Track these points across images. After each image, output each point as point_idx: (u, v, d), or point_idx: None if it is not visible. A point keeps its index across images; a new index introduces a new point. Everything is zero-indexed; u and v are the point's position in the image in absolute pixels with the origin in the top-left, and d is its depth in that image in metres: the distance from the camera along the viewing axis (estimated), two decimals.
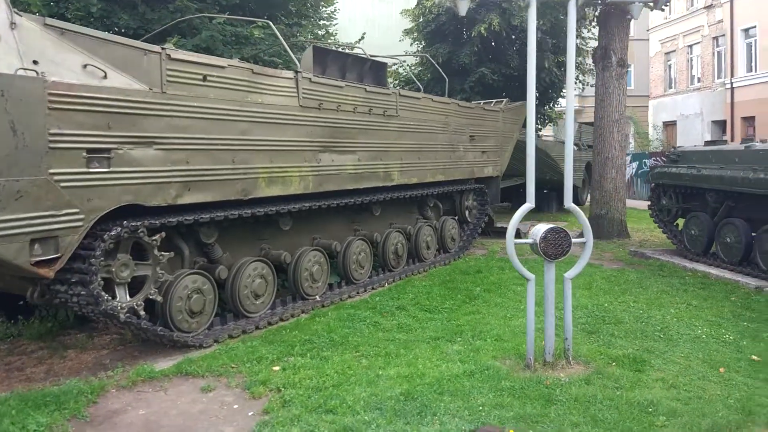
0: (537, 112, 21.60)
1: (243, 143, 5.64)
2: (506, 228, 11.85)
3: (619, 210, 11.67)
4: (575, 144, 16.73)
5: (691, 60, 29.38)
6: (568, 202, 4.95)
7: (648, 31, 33.56)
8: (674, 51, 30.62)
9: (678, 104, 29.65)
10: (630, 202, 14.70)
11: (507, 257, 9.50)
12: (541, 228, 4.85)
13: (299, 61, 6.80)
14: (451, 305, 6.63)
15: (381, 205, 8.17)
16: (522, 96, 19.71)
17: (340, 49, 9.61)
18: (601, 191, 11.82)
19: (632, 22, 41.45)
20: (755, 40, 24.66)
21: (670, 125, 30.41)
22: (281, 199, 6.28)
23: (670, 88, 30.98)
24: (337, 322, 5.99)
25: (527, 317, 4.80)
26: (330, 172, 6.79)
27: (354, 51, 9.81)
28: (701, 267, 8.35)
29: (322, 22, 17.93)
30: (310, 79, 6.44)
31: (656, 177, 9.76)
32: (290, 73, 6.27)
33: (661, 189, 9.77)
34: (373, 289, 7.52)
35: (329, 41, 16.09)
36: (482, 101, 12.60)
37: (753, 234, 7.85)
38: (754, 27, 24.65)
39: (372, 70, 7.84)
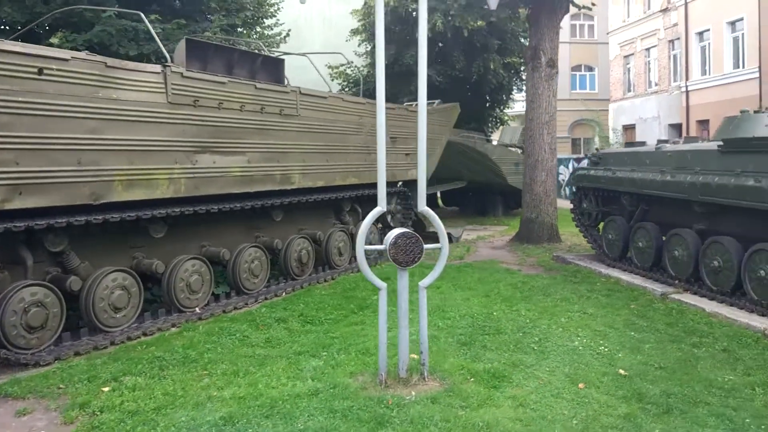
0: (488, 115, 21.46)
1: (92, 143, 5.20)
2: (447, 234, 11.60)
3: (549, 214, 11.42)
4: (519, 147, 16.51)
5: (649, 63, 29.53)
6: (422, 204, 4.60)
7: (608, 34, 33.73)
8: (633, 54, 30.77)
9: (637, 107, 29.77)
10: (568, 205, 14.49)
11: (431, 263, 9.26)
12: (393, 233, 4.49)
13: (170, 55, 6.37)
14: (337, 316, 6.25)
15: (284, 210, 7.77)
16: (471, 99, 19.71)
17: (231, 44, 9.17)
18: (531, 194, 11.57)
19: (595, 27, 41.62)
20: (709, 44, 24.80)
21: (629, 128, 30.51)
22: (158, 203, 5.86)
23: (629, 91, 31.11)
24: (204, 336, 5.57)
25: (379, 330, 4.44)
26: (210, 175, 6.37)
27: (254, 47, 9.36)
28: (615, 272, 8.09)
29: (266, 32, 17.56)
30: (181, 74, 6.02)
31: (577, 180, 9.52)
32: (156, 68, 5.84)
33: (582, 192, 9.52)
34: (266, 299, 7.10)
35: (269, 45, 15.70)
36: (411, 102, 12.32)
37: (663, 238, 7.60)
38: (708, 30, 24.79)
39: (266, 67, 7.44)
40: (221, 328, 5.82)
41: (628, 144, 9.86)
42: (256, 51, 7.63)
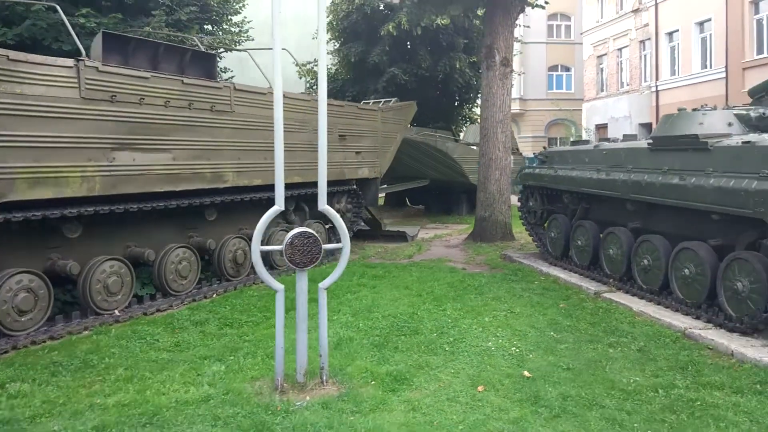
0: (456, 114, 21.40)
1: None
2: (400, 232, 11.39)
3: (503, 212, 11.33)
4: (476, 144, 16.42)
5: (621, 63, 29.65)
6: (322, 203, 4.46)
7: (582, 34, 33.87)
8: (605, 54, 30.89)
9: (609, 107, 29.90)
10: None
11: (378, 263, 9.13)
12: (290, 233, 4.34)
13: (86, 50, 6.15)
14: (259, 318, 6.08)
15: (219, 209, 7.58)
16: (440, 98, 19.63)
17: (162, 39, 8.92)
18: (485, 193, 11.47)
19: (572, 27, 41.78)
20: (678, 44, 24.96)
21: (602, 128, 30.62)
22: (73, 202, 5.65)
23: (602, 91, 31.23)
24: (113, 340, 5.38)
25: (276, 334, 4.29)
26: (130, 173, 6.17)
27: (206, 44, 9.19)
28: (555, 271, 8.01)
29: (233, 29, 17.42)
30: (96, 68, 5.82)
31: (523, 178, 9.44)
32: (68, 62, 5.62)
33: (529, 191, 9.44)
34: (194, 301, 6.91)
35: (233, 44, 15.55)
36: (370, 101, 12.20)
37: (601, 236, 7.53)
38: (677, 31, 24.94)
39: (196, 62, 7.24)
40: (134, 331, 5.63)
41: (575, 142, 9.77)
42: (194, 46, 7.41)
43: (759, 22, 20.57)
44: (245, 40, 17.83)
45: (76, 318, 5.88)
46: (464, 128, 21.41)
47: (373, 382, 4.27)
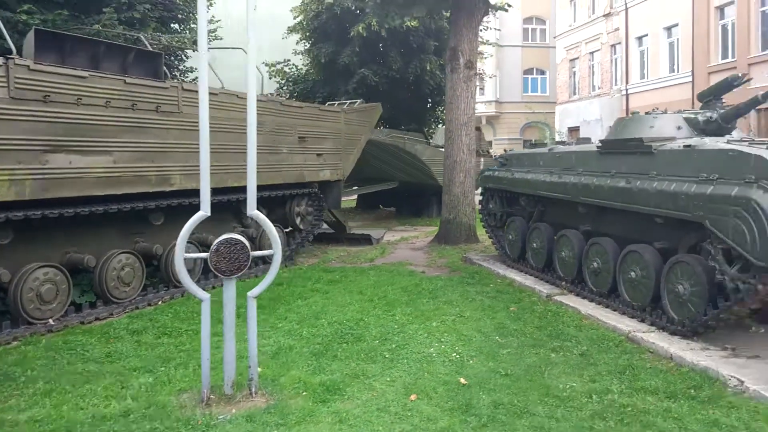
0: (429, 116, 21.35)
1: None
2: (365, 235, 11.25)
3: (467, 214, 11.26)
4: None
5: (593, 67, 29.91)
6: (251, 208, 4.30)
7: (555, 38, 34.12)
8: (578, 58, 31.15)
9: (581, 110, 30.14)
10: None
11: (337, 267, 8.99)
12: (217, 240, 4.18)
13: (16, 48, 5.91)
14: (199, 327, 5.88)
15: (166, 213, 7.36)
16: (412, 100, 19.54)
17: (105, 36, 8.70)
18: (449, 195, 11.40)
19: (547, 31, 42.02)
20: (647, 48, 25.23)
21: (574, 130, 30.83)
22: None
23: (575, 94, 31.49)
24: (41, 351, 5.16)
25: (201, 344, 4.12)
26: (65, 176, 5.94)
27: (158, 43, 8.97)
28: (512, 273, 7.94)
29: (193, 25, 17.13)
30: (27, 66, 5.59)
31: (483, 181, 9.38)
32: None
33: (489, 193, 9.38)
34: (137, 308, 6.70)
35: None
36: (335, 102, 12.06)
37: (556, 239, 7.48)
38: (646, 36, 25.22)
39: (141, 61, 7.03)
40: (66, 341, 5.41)
41: (532, 145, 9.76)
42: (144, 44, 7.18)
43: (724, 28, 20.88)
44: (213, 40, 17.60)
45: (6, 328, 5.64)
46: (435, 130, 21.39)
47: (304, 393, 4.13)
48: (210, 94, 7.55)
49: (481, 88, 21.58)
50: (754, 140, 4.97)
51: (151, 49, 7.34)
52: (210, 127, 7.47)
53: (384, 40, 17.64)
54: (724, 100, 6.74)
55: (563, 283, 7.00)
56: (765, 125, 18.34)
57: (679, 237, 5.38)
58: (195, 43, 17.86)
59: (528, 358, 4.79)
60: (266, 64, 19.41)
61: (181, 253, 4.11)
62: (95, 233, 6.67)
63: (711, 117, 6.41)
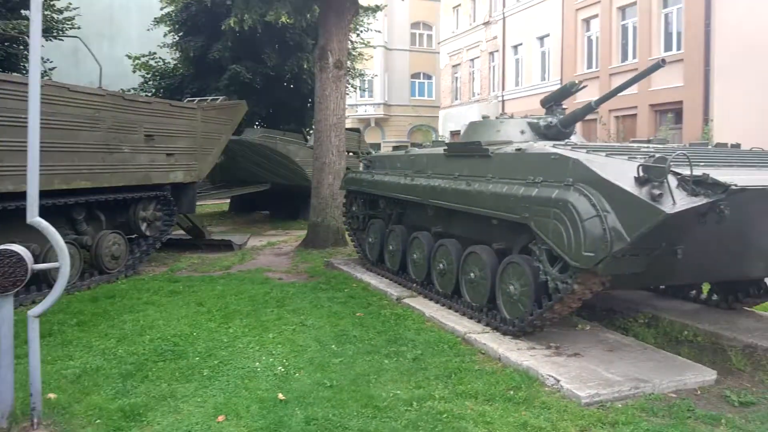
0: (309, 116, 20.93)
1: None
2: (225, 240, 10.63)
3: (335, 218, 11.07)
4: None
5: (473, 73, 31.01)
6: (33, 214, 3.78)
7: (439, 44, 35.04)
8: (460, 64, 32.16)
9: (462, 115, 31.07)
10: None
11: (184, 276, 8.41)
12: None
13: None
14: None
15: None
16: (290, 99, 19.10)
17: None
18: (318, 198, 11.18)
19: (433, 36, 42.90)
20: (522, 57, 26.49)
21: (456, 134, 31.78)
22: None
23: (456, 99, 32.49)
24: None
25: None
26: None
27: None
28: (369, 277, 7.84)
29: (56, 15, 15.84)
30: None
31: (346, 183, 9.23)
32: None
33: (353, 195, 9.25)
34: None
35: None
36: (195, 99, 11.42)
37: None
38: (521, 44, 26.47)
39: None
40: None
41: (395, 148, 9.77)
42: None
43: (589, 39, 22.33)
44: (69, 29, 16.25)
45: None
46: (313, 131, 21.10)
47: (98, 421, 3.69)
48: (17, 83, 6.85)
49: (359, 89, 21.47)
50: (577, 144, 5.13)
51: None
52: (26, 123, 6.73)
53: (259, 35, 17.11)
54: (564, 106, 7.02)
55: (414, 285, 6.97)
56: (623, 130, 19.79)
57: (514, 238, 5.47)
58: (53, 30, 16.42)
59: (359, 367, 4.62)
60: (129, 57, 18.21)
61: None
62: None
63: (551, 122, 6.64)
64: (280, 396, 4.03)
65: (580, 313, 5.74)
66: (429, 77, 40.83)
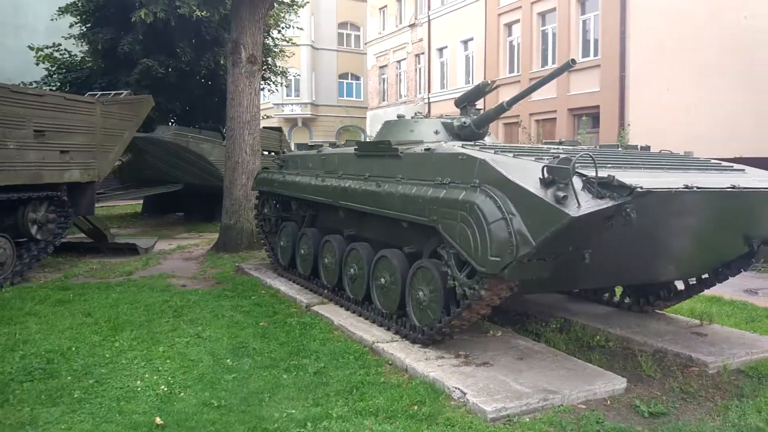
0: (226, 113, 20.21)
1: None
2: (129, 244, 9.89)
3: (249, 219, 10.55)
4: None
5: (400, 75, 31.02)
6: None
7: (366, 44, 34.88)
8: (387, 66, 32.09)
9: (389, 116, 30.62)
10: None
11: (79, 283, 7.69)
12: None
13: None
14: None
15: None
16: (207, 95, 18.28)
17: None
18: (231, 199, 10.65)
19: (361, 37, 42.64)
20: (447, 59, 26.70)
21: None
22: None
23: (384, 100, 32.41)
24: None
25: None
26: None
27: None
28: (279, 283, 7.44)
29: None
30: None
31: (257, 183, 8.78)
32: None
33: (265, 197, 8.81)
34: None
35: None
36: (96, 93, 10.61)
37: None
38: (446, 47, 26.67)
39: None
40: None
41: (310, 147, 9.38)
42: None
43: (511, 44, 22.74)
44: None
45: None
46: None
47: None
48: None
49: (283, 85, 20.84)
50: (486, 144, 4.96)
51: None
52: None
53: (173, 29, 16.27)
54: (478, 107, 6.89)
55: (326, 291, 6.64)
56: (543, 134, 20.26)
57: (424, 241, 5.24)
58: None
59: (254, 383, 4.24)
60: (32, 48, 16.89)
61: None
62: None
63: (465, 122, 6.47)
64: (158, 420, 3.59)
65: (493, 318, 5.59)
66: (357, 78, 40.59)
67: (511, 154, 4.45)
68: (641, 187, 3.60)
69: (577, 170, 3.71)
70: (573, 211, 3.56)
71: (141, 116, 10.51)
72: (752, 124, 18.55)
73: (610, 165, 4.31)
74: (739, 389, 4.29)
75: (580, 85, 18.84)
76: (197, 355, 4.81)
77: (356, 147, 6.20)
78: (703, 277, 5.67)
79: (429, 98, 27.49)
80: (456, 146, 4.87)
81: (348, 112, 39.36)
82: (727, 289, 7.23)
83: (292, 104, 39.25)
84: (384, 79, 32.56)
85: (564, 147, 5.59)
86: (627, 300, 6.33)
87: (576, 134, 18.72)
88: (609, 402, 4.03)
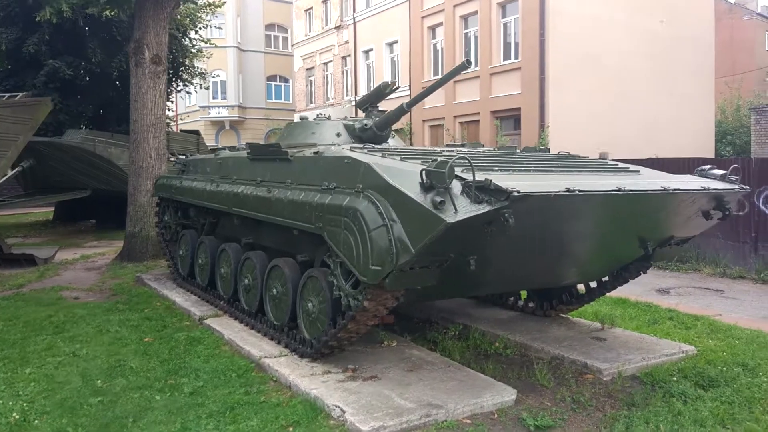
0: None
1: None
2: (26, 255, 9.15)
3: (154, 227, 10.05)
4: (169, 153, 14.87)
5: (327, 77, 30.73)
6: None
7: (292, 47, 34.38)
8: (314, 68, 31.74)
9: None
10: None
11: None
12: None
13: None
14: None
15: None
16: (120, 98, 17.40)
17: None
18: (135, 206, 10.10)
19: (289, 39, 41.95)
20: (373, 62, 26.63)
21: None
22: None
23: (311, 103, 32.02)
24: None
25: None
26: None
27: None
28: (176, 294, 7.05)
29: None
30: None
31: (157, 189, 8.33)
32: None
33: (165, 203, 8.36)
34: None
35: None
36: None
37: None
38: (372, 50, 26.60)
39: None
40: None
41: (212, 150, 9.06)
42: None
43: (435, 47, 22.90)
44: None
45: None
46: None
47: None
48: None
49: (202, 87, 20.08)
50: (374, 147, 4.81)
51: None
52: None
53: (81, 29, 15.42)
54: (381, 108, 6.74)
55: (222, 303, 6.32)
56: (466, 136, 20.45)
57: (315, 250, 5.03)
58: None
59: (121, 407, 3.91)
60: None
61: None
62: None
63: (367, 124, 6.31)
64: None
65: (392, 327, 5.45)
66: (285, 80, 40.03)
67: (399, 158, 4.31)
68: (518, 191, 3.49)
69: (457, 174, 3.60)
70: (449, 216, 3.42)
71: (38, 120, 9.83)
72: (669, 126, 19.46)
73: (497, 168, 4.22)
74: (631, 397, 4.16)
75: (501, 88, 19.15)
76: (66, 376, 4.42)
77: (248, 150, 5.92)
78: (603, 280, 5.66)
79: (355, 100, 27.31)
80: (344, 149, 4.68)
81: (277, 114, 38.70)
82: (638, 289, 7.31)
83: (218, 107, 38.26)
84: (311, 81, 32.19)
85: (467, 149, 5.50)
86: (531, 304, 6.24)
87: (498, 137, 19.05)
88: (496, 415, 3.87)
